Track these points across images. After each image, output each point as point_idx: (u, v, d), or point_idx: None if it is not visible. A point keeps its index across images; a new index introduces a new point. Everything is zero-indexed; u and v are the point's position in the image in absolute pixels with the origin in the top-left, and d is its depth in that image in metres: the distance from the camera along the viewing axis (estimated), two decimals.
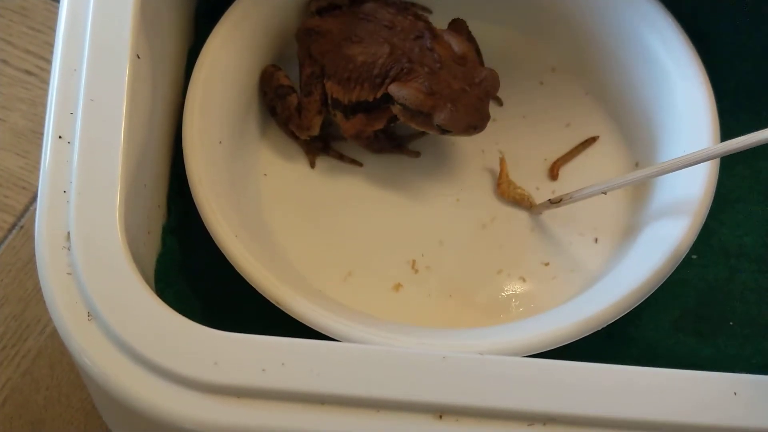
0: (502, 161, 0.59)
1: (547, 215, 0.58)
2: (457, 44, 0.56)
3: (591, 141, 0.60)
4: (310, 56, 0.58)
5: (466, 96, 0.53)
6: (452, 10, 0.60)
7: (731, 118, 0.57)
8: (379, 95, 0.55)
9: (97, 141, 0.45)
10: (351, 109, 0.57)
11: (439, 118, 0.53)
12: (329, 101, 0.57)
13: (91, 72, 0.46)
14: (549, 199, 0.56)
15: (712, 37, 0.60)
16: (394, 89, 0.54)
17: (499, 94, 0.59)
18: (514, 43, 0.58)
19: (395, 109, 0.55)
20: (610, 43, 0.60)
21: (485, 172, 0.60)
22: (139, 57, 0.48)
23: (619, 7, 0.59)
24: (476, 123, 0.54)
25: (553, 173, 0.59)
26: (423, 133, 0.60)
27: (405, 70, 0.54)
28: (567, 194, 0.55)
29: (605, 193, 0.54)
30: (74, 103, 0.46)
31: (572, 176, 0.59)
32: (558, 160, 0.60)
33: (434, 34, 0.56)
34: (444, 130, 0.54)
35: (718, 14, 0.62)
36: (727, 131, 0.55)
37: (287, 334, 0.42)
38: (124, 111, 0.45)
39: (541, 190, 0.59)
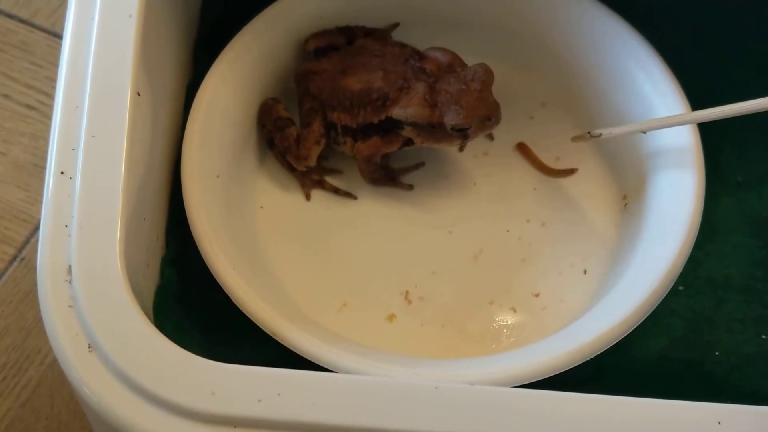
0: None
1: (539, 246, 0.59)
2: (441, 55, 0.58)
3: (570, 172, 0.61)
4: (309, 94, 0.59)
5: (467, 93, 0.55)
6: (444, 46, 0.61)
7: (716, 151, 0.58)
8: (383, 117, 0.57)
9: (98, 176, 0.46)
10: (362, 132, 0.58)
11: (450, 120, 0.55)
12: (339, 129, 0.59)
13: (92, 109, 0.47)
14: (588, 132, 0.57)
15: (697, 71, 0.61)
16: (398, 113, 0.56)
17: None
18: (505, 78, 0.60)
19: (407, 132, 0.57)
20: (598, 78, 0.61)
21: (477, 204, 0.61)
22: (139, 94, 0.49)
23: (606, 43, 0.60)
24: (488, 113, 0.55)
25: (523, 150, 0.62)
26: (417, 166, 0.61)
27: (404, 90, 0.56)
28: (607, 129, 0.56)
29: (644, 132, 0.56)
30: (76, 139, 0.47)
31: (562, 208, 0.61)
32: (532, 155, 0.62)
33: (420, 55, 0.59)
34: (462, 133, 0.56)
35: (702, 49, 0.64)
36: (712, 163, 0.56)
37: (283, 364, 0.43)
38: (125, 147, 0.46)
39: (531, 222, 0.60)
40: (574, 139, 0.58)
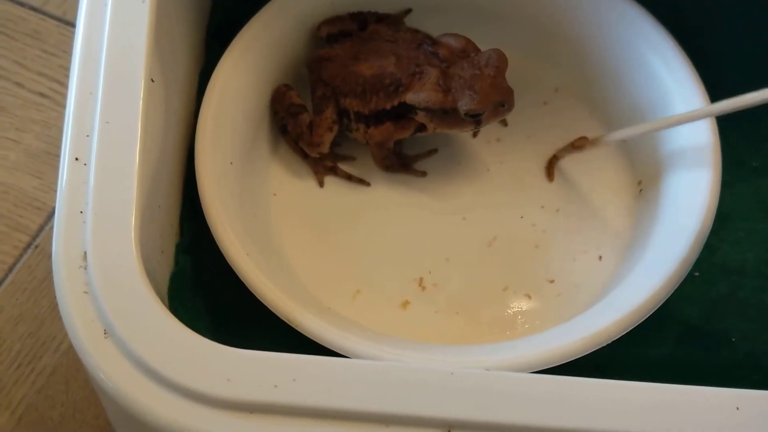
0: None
1: (553, 232, 0.59)
2: (454, 41, 0.58)
3: (584, 141, 0.60)
4: (321, 80, 0.59)
5: (481, 79, 0.55)
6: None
7: (731, 137, 0.58)
8: (396, 103, 0.57)
9: (112, 163, 0.46)
10: (375, 118, 0.58)
11: (464, 105, 0.55)
12: (352, 116, 0.59)
13: (106, 96, 0.47)
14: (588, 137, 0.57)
15: (712, 56, 0.61)
16: (412, 97, 0.56)
17: None
18: (519, 64, 0.59)
19: (421, 118, 0.57)
20: (612, 63, 0.61)
21: (491, 190, 0.61)
22: (153, 81, 0.49)
23: (621, 28, 0.60)
24: (501, 99, 0.55)
25: (549, 171, 0.61)
26: (430, 153, 0.61)
27: (417, 75, 0.56)
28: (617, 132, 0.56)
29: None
30: (90, 125, 0.47)
31: (576, 194, 0.60)
32: (552, 158, 0.61)
33: (433, 40, 0.59)
34: (475, 118, 0.55)
35: (717, 34, 0.63)
36: (727, 149, 0.56)
37: (298, 350, 0.43)
38: (139, 133, 0.47)
39: (545, 208, 0.60)
40: (581, 143, 0.58)
